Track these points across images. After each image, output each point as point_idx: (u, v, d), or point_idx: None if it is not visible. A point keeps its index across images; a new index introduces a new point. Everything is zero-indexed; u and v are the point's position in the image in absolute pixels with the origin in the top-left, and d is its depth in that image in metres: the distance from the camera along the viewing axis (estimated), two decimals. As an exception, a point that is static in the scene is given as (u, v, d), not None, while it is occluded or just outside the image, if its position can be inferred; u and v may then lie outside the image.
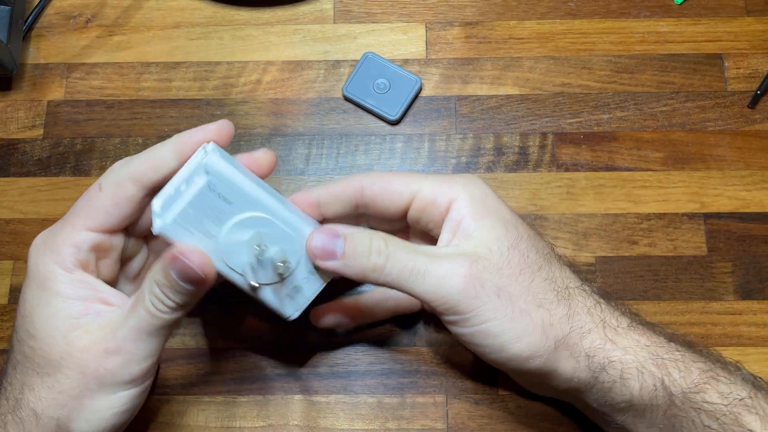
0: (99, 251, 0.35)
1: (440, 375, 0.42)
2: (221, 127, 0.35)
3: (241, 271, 0.35)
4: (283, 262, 0.35)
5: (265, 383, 0.42)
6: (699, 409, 0.33)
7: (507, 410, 0.42)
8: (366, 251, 0.34)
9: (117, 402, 0.34)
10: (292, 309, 0.37)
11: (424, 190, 0.37)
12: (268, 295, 0.36)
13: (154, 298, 0.33)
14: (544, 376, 0.35)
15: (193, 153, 0.33)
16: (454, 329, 0.35)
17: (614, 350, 0.34)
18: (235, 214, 0.33)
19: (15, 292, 0.45)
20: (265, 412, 0.42)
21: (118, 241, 0.36)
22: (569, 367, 0.35)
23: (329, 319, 0.41)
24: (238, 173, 0.33)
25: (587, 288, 0.36)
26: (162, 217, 0.32)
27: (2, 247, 0.46)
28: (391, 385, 0.42)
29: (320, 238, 0.35)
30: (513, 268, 0.35)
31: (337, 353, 0.43)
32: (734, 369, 0.35)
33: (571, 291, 0.36)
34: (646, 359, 0.34)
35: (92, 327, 0.33)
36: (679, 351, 0.34)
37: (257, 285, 0.34)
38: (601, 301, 0.36)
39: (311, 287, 0.37)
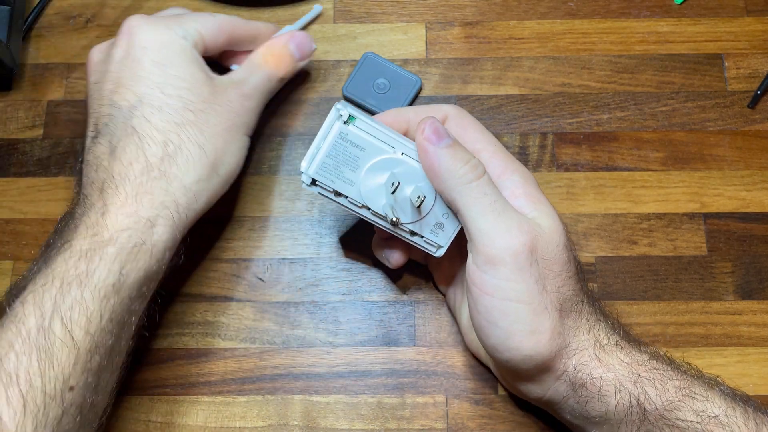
0: (198, 48, 0.41)
1: (440, 375, 0.42)
2: (267, 32, 0.45)
3: (383, 213, 0.37)
4: (419, 197, 0.36)
5: (265, 383, 0.42)
6: (673, 426, 0.33)
7: (507, 410, 0.42)
8: (465, 158, 0.35)
9: (244, 144, 0.42)
10: (438, 243, 0.38)
11: (489, 149, 0.38)
12: (413, 233, 0.38)
13: (271, 67, 0.43)
14: (528, 378, 0.36)
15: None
16: (474, 290, 0.35)
17: (597, 368, 0.34)
18: (368, 159, 0.36)
19: (15, 292, 0.45)
20: (265, 412, 0.42)
21: None
22: (552, 377, 0.35)
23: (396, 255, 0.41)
24: (367, 120, 0.36)
25: (595, 305, 0.36)
26: (306, 171, 0.36)
27: (2, 247, 0.45)
28: (391, 385, 0.42)
29: (433, 124, 0.36)
30: (559, 265, 0.35)
31: (337, 353, 0.43)
32: (714, 384, 0.35)
33: (583, 306, 0.36)
34: (625, 377, 0.34)
35: (217, 82, 0.41)
36: (657, 369, 0.34)
37: (396, 220, 0.36)
38: (602, 319, 0.36)
39: (453, 223, 0.38)
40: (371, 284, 0.44)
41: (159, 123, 0.37)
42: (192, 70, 0.39)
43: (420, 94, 0.48)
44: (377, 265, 0.45)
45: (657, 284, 0.44)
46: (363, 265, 0.45)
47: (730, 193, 0.46)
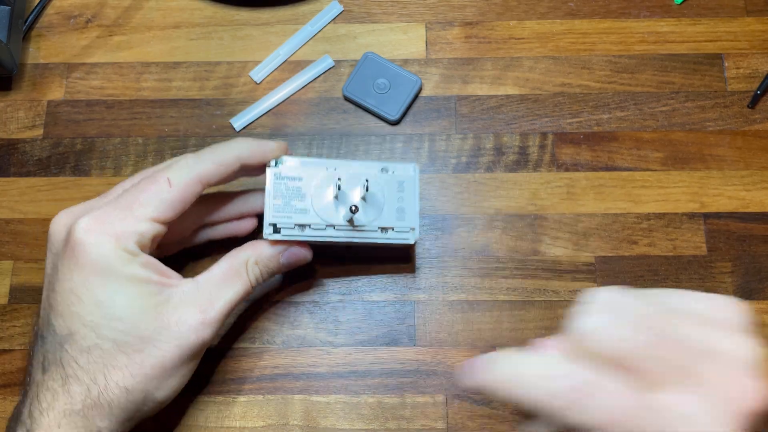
0: (155, 238, 0.37)
1: (440, 375, 0.42)
2: (281, 147, 0.39)
3: (345, 223, 0.39)
4: (365, 185, 0.38)
5: (265, 383, 0.42)
6: None
7: (507, 410, 0.42)
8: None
9: (194, 366, 0.38)
10: (409, 226, 0.40)
11: None
12: (383, 229, 0.40)
13: (254, 277, 0.38)
14: None
15: (253, 161, 0.39)
16: None
17: None
18: (310, 183, 0.39)
19: (15, 292, 0.45)
20: (265, 412, 0.42)
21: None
22: None
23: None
24: (293, 158, 0.39)
25: None
26: (267, 222, 0.38)
27: (2, 247, 0.46)
28: (391, 385, 0.42)
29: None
30: None
31: (337, 353, 0.43)
32: None
33: None
34: None
35: (175, 301, 0.36)
36: None
37: (355, 209, 0.38)
38: None
39: (411, 199, 0.40)
40: (371, 284, 0.44)
41: (86, 364, 0.34)
42: (136, 303, 0.35)
43: (420, 94, 0.48)
44: (377, 265, 0.45)
45: (657, 284, 0.44)
46: (363, 265, 0.45)
47: (729, 193, 0.46)
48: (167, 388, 0.36)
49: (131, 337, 0.35)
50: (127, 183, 0.39)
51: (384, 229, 0.39)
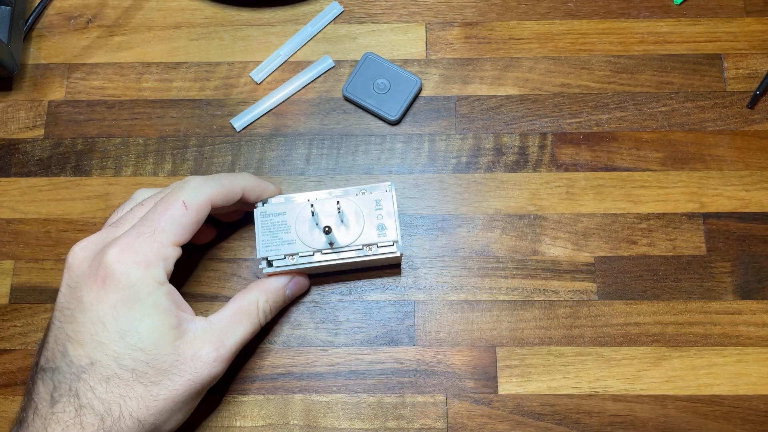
0: (174, 263, 0.38)
1: (440, 375, 0.43)
2: (276, 189, 0.43)
3: (326, 247, 0.41)
4: (338, 208, 0.41)
5: (265, 383, 0.43)
6: None
7: (507, 410, 0.42)
8: None
9: (198, 401, 0.38)
10: (391, 240, 0.41)
11: None
12: (368, 246, 0.41)
13: (263, 315, 0.41)
14: None
15: (253, 195, 0.41)
16: None
17: None
18: (293, 215, 0.41)
19: (15, 292, 0.45)
20: (265, 412, 0.42)
21: None
22: None
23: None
24: (277, 197, 0.42)
25: None
26: (258, 257, 0.41)
27: (3, 247, 0.46)
28: (391, 385, 0.42)
29: None
30: None
31: (338, 353, 0.43)
32: None
33: None
34: None
35: (190, 337, 0.37)
36: None
37: (328, 229, 0.39)
38: None
39: (390, 216, 0.41)
40: (371, 284, 0.44)
41: (103, 394, 0.35)
42: (157, 334, 0.35)
43: (420, 94, 0.48)
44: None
45: (656, 284, 0.44)
46: (363, 265, 0.45)
47: (729, 193, 0.46)
48: (174, 422, 0.37)
49: (150, 368, 0.35)
50: (140, 211, 0.39)
51: (369, 247, 0.41)
